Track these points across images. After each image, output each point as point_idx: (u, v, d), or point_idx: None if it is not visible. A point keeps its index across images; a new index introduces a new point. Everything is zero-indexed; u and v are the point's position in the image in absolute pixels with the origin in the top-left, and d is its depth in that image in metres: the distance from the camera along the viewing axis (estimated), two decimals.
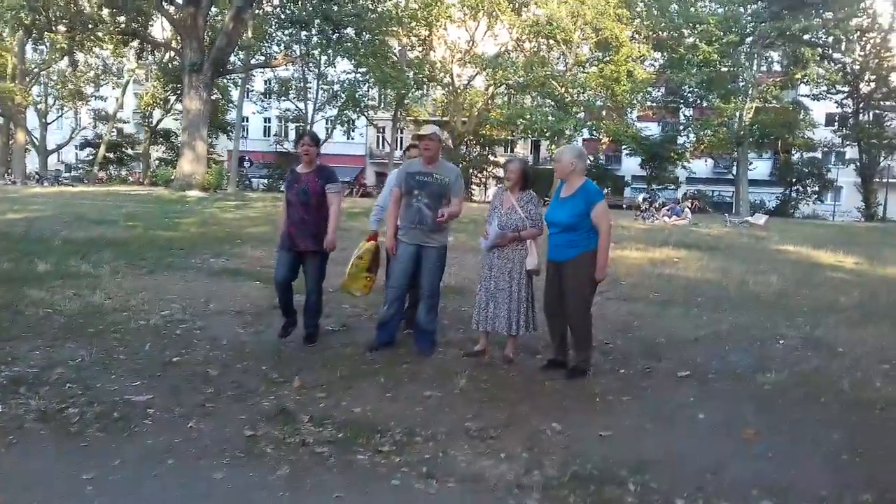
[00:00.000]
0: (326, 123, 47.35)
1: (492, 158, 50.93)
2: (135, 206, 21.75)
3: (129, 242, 12.38)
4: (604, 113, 42.88)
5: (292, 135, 53.12)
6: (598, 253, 5.23)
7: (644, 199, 32.56)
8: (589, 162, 46.26)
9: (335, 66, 43.16)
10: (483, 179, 51.93)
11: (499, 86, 44.36)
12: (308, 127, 44.81)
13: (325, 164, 6.11)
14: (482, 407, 4.68)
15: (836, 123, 45.78)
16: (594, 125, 41.50)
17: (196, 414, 4.36)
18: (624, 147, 44.65)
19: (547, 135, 40.55)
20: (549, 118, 38.65)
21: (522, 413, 4.61)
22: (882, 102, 43.33)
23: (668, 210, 28.25)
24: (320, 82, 45.07)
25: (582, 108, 41.50)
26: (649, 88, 41.86)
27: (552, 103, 40.81)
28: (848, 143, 45.05)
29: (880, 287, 10.75)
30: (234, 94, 45.10)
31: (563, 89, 39.30)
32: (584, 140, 46.19)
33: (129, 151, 56.67)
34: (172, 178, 34.07)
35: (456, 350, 6.11)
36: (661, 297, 9.28)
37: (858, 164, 44.26)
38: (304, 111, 45.74)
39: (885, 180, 44.58)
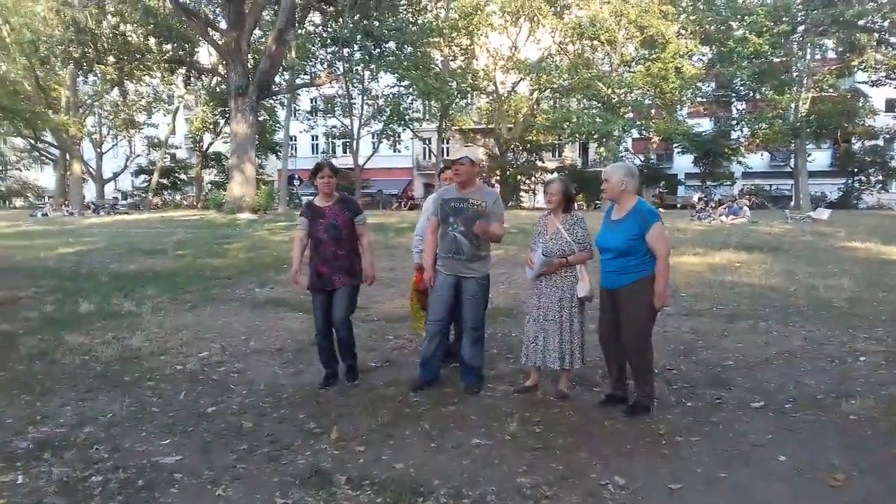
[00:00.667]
0: (372, 138, 47.43)
1: (539, 164, 50.31)
2: (185, 233, 21.90)
3: (176, 273, 12.29)
4: (653, 112, 41.93)
5: (339, 151, 53.40)
6: (656, 279, 4.76)
7: (699, 199, 31.56)
8: (639, 162, 45.79)
9: (378, 81, 43.18)
10: (531, 186, 51.33)
11: (543, 90, 43.75)
12: (354, 143, 45.02)
13: (345, 194, 5.80)
14: (535, 457, 4.26)
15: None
16: (643, 124, 40.58)
17: (226, 478, 4.04)
18: (675, 145, 43.50)
19: (595, 137, 39.79)
20: (597, 120, 37.88)
21: (580, 463, 4.17)
22: None
23: (725, 209, 27.28)
24: (364, 97, 45.14)
25: (630, 108, 40.67)
26: (699, 84, 40.73)
27: (599, 105, 40.03)
28: None
29: None
30: (281, 114, 45.51)
31: (610, 90, 38.49)
32: (633, 140, 45.30)
33: (182, 176, 57.84)
34: (223, 201, 34.41)
35: (505, 385, 5.71)
36: (726, 309, 8.72)
37: None
38: (349, 127, 45.89)
39: None
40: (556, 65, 41.11)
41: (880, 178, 44.84)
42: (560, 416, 4.98)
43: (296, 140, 52.79)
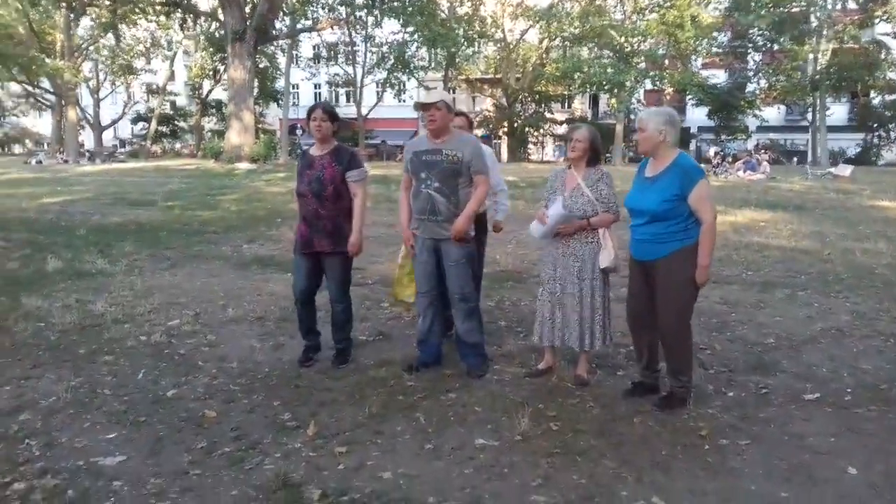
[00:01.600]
0: (376, 87, 46.10)
1: (548, 115, 48.96)
2: (179, 183, 21.05)
3: (160, 227, 11.51)
4: (666, 62, 40.49)
5: (343, 100, 52.07)
6: (699, 249, 3.95)
7: (716, 153, 30.50)
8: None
9: (382, 27, 41.70)
10: (540, 138, 50.10)
11: (553, 39, 42.27)
12: (357, 92, 43.71)
13: (342, 145, 4.92)
14: (552, 466, 3.49)
15: None
16: (657, 75, 39.17)
17: (174, 489, 3.29)
18: (689, 97, 42.10)
19: (606, 87, 38.43)
20: (609, 70, 36.53)
21: (607, 475, 3.40)
22: None
23: (743, 164, 26.24)
24: (368, 45, 43.73)
25: (643, 58, 39.25)
26: (715, 34, 39.23)
27: (611, 54, 38.65)
28: None
29: None
30: (282, 61, 44.13)
31: (623, 39, 37.08)
32: (646, 91, 43.87)
33: (182, 124, 56.56)
34: (221, 150, 33.43)
35: (515, 367, 4.93)
36: (757, 276, 7.92)
37: None
38: (353, 75, 44.57)
39: None
40: (567, 12, 39.59)
41: None
42: (580, 409, 4.20)
43: (297, 88, 51.46)
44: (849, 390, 4.51)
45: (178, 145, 56.56)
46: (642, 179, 4.12)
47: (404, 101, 51.37)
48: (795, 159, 43.31)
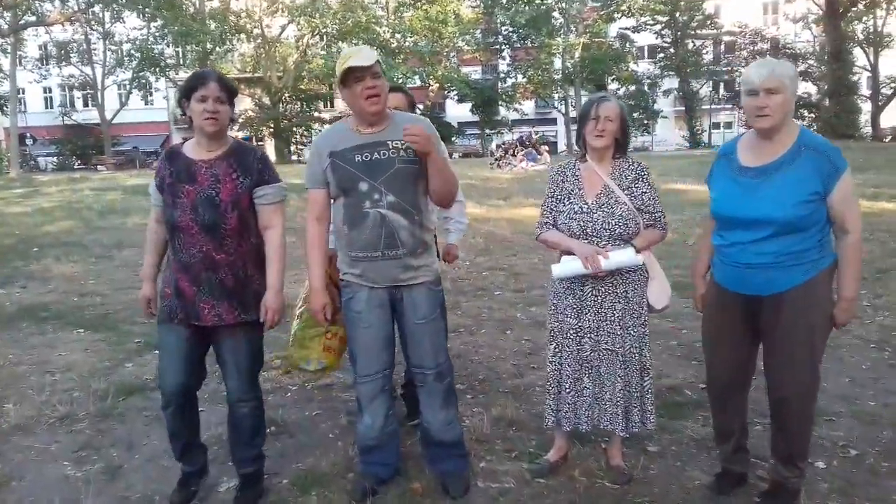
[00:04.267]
0: (119, 88, 41.33)
1: (316, 115, 47.03)
2: None
3: None
4: (429, 58, 40.30)
5: (80, 103, 46.24)
6: (843, 274, 2.63)
7: (499, 146, 30.72)
8: (419, 108, 44.44)
9: (124, 22, 37.32)
10: (309, 137, 47.96)
11: (315, 35, 40.38)
12: (98, 94, 38.86)
13: (245, 144, 3.00)
14: None
15: (656, 55, 46.09)
16: (425, 71, 38.85)
17: None
18: (454, 92, 42.41)
19: None
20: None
21: None
22: (697, 31, 44.19)
23: (524, 155, 26.40)
24: (107, 42, 38.96)
25: (408, 54, 38.72)
26: (476, 30, 39.86)
27: (379, 51, 37.61)
28: (668, 73, 45.47)
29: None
30: (5, 62, 37.96)
31: (390, 35, 36.23)
32: (413, 88, 43.52)
33: None
34: None
35: (511, 460, 3.32)
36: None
37: (681, 93, 45.02)
38: (91, 76, 39.50)
39: (708, 107, 45.80)
40: (329, 6, 37.91)
41: (644, 121, 46.97)
42: None
43: (24, 93, 44.85)
44: None
45: None
46: (739, 171, 2.70)
47: (152, 103, 46.96)
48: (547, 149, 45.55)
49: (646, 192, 2.98)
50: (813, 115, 34.93)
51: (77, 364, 4.88)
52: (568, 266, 2.94)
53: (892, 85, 41.17)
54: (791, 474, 2.81)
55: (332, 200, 2.93)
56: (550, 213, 3.11)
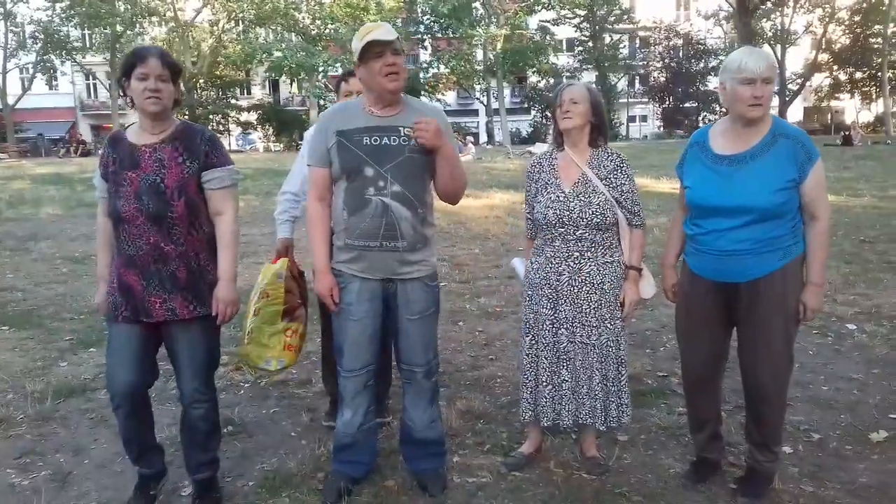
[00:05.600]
0: (22, 73, 39.22)
1: (233, 102, 45.88)
2: None
3: None
4: (349, 45, 39.81)
5: None
6: (811, 260, 2.67)
7: None
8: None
9: (27, 2, 35.44)
10: (226, 125, 46.73)
11: (231, 19, 39.30)
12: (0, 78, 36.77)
13: (191, 124, 2.78)
14: None
15: (575, 48, 46.79)
16: (348, 59, 38.28)
17: None
18: None
19: (300, 74, 36.64)
20: (300, 53, 34.79)
21: None
22: (614, 25, 45.10)
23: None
24: (8, 23, 36.92)
25: (329, 42, 38.12)
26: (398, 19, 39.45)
27: (297, 38, 36.94)
28: (586, 66, 46.24)
29: None
30: None
31: (310, 20, 35.58)
32: (331, 76, 42.88)
33: None
34: None
35: (483, 454, 3.26)
36: None
37: (599, 87, 45.85)
38: None
39: (625, 101, 46.85)
40: None
41: None
42: None
43: None
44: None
45: None
46: (713, 159, 2.70)
47: (56, 88, 44.79)
48: (488, 143, 45.69)
49: (624, 184, 2.94)
50: (724, 109, 36.15)
51: (7, 364, 4.56)
52: (521, 269, 3.20)
53: (798, 81, 43.24)
54: (766, 459, 2.85)
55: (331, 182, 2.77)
56: (529, 206, 3.07)
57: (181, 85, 2.70)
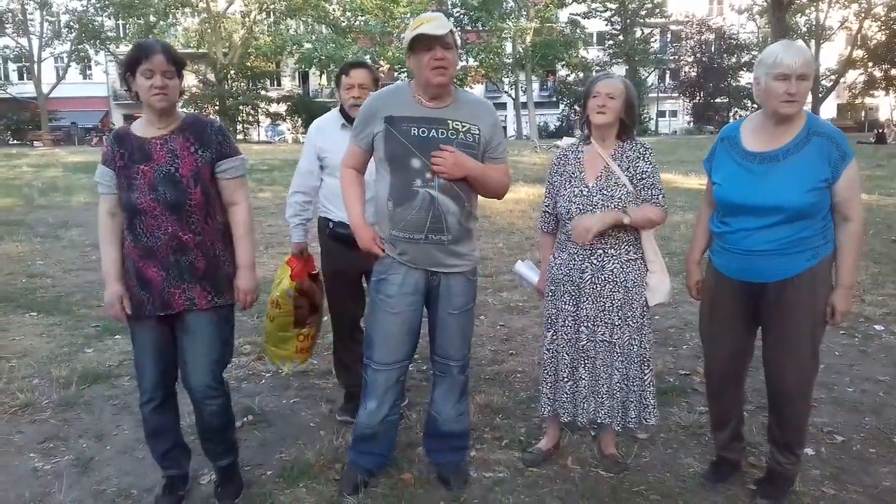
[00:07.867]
0: (57, 62, 39.80)
1: (263, 93, 46.14)
2: None
3: None
4: (379, 38, 39.84)
5: (14, 76, 44.39)
6: (842, 262, 2.61)
7: None
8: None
9: None
10: (256, 116, 47.03)
11: (262, 10, 39.53)
12: (35, 67, 37.32)
13: (198, 116, 2.78)
14: None
15: (605, 42, 46.40)
16: (377, 51, 38.36)
17: None
18: (404, 75, 42.00)
19: (330, 65, 36.74)
20: (330, 45, 34.92)
21: None
22: (646, 19, 44.64)
23: None
24: (44, 13, 37.45)
25: (359, 34, 38.24)
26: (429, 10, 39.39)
27: (328, 30, 37.06)
28: (616, 60, 45.83)
29: None
30: None
31: (341, 12, 35.68)
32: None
33: None
34: None
35: (501, 448, 3.25)
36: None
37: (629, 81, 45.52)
38: (27, 48, 37.91)
39: (655, 96, 46.37)
40: None
41: None
42: None
43: None
44: None
45: None
46: (744, 156, 2.65)
47: (91, 77, 45.37)
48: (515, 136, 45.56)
49: (646, 171, 2.90)
50: (756, 105, 35.68)
51: (34, 349, 4.63)
52: (526, 273, 3.28)
53: (832, 77, 42.52)
54: (787, 461, 2.80)
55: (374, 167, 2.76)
56: (551, 199, 3.04)
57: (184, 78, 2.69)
